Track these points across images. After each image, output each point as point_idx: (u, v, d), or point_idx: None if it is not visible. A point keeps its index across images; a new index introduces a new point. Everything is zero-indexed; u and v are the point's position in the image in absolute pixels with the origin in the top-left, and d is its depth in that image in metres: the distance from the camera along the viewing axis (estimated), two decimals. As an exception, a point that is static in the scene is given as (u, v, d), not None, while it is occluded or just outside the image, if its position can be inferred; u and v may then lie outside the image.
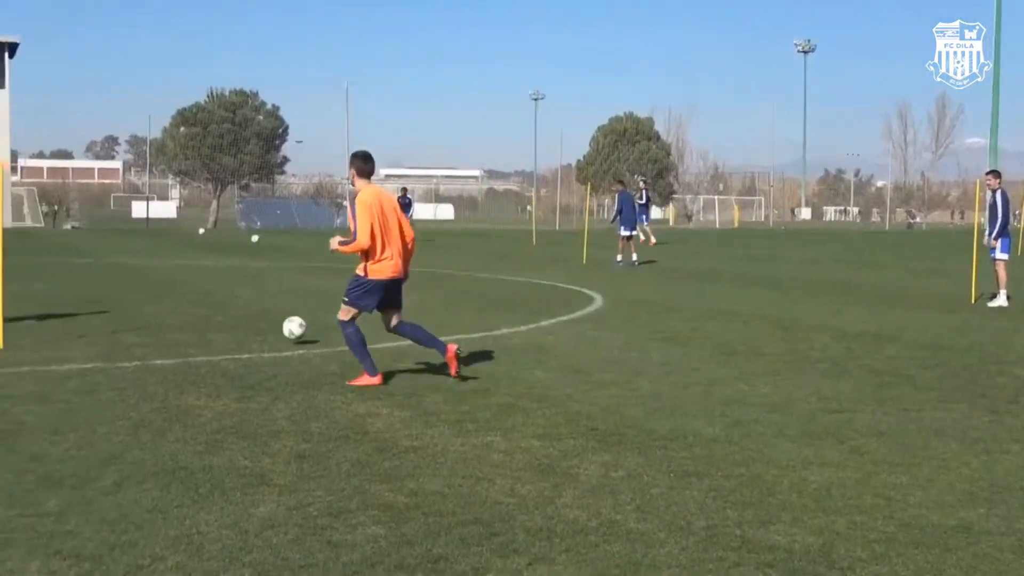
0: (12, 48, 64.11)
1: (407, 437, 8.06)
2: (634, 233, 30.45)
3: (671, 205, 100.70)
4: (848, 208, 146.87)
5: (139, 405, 9.14)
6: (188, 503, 6.29)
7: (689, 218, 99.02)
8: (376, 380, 10.27)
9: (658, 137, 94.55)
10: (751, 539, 5.74)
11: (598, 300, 19.06)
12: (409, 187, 52.13)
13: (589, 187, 46.33)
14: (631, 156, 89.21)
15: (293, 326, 13.16)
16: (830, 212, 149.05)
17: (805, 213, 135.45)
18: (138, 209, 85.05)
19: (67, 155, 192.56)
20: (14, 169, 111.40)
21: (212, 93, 74.63)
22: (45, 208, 73.10)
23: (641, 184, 46.23)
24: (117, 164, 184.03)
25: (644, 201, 42.36)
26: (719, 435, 8.23)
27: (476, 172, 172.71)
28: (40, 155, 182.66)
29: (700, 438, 8.12)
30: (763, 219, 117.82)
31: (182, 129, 72.83)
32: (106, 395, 9.58)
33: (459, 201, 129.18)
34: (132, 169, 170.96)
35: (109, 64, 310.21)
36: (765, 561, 5.41)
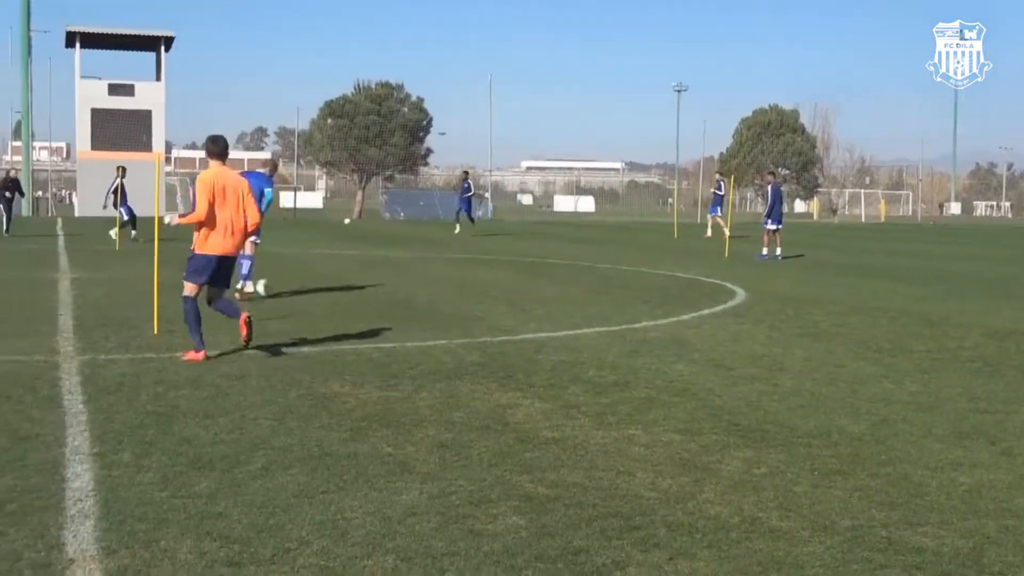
0: (168, 42, 65.77)
1: (548, 428, 8.09)
2: (780, 227, 29.94)
3: (815, 199, 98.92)
4: (1000, 203, 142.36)
5: (286, 391, 9.34)
6: (333, 489, 6.40)
7: (834, 212, 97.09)
8: (200, 356, 10.84)
9: (803, 130, 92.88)
10: (897, 540, 5.63)
11: (740, 294, 18.85)
12: (550, 179, 52.28)
13: (732, 179, 45.72)
14: (775, 149, 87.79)
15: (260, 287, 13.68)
16: (980, 207, 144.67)
17: (954, 208, 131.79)
18: (285, 199, 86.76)
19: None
20: (168, 159, 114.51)
21: (359, 85, 75.61)
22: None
23: (717, 176, 45.97)
24: (266, 155, 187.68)
25: (721, 193, 42.57)
26: (865, 433, 8.08)
27: (617, 164, 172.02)
28: (192, 146, 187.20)
29: (845, 436, 7.97)
30: (910, 214, 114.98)
31: (329, 121, 73.92)
32: (255, 381, 9.80)
33: (600, 193, 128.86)
34: (281, 160, 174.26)
35: (259, 57, 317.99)
36: (912, 563, 5.29)
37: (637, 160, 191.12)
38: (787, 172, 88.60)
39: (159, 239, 13.12)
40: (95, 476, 6.57)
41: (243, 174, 14.77)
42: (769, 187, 31.15)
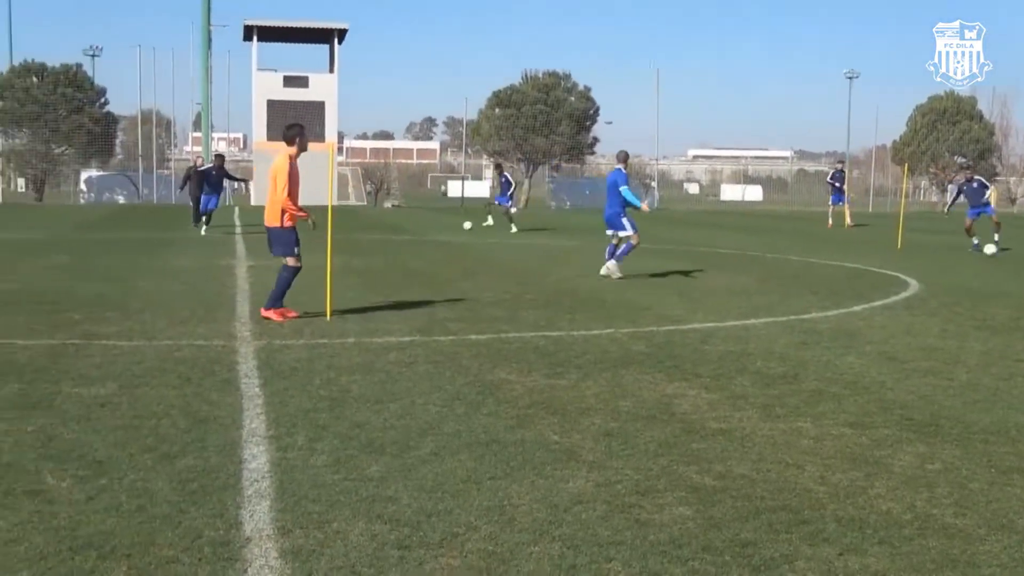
0: (341, 34, 67.20)
1: (715, 419, 8.03)
2: (978, 217, 29.11)
3: (993, 188, 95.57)
4: None
5: (454, 378, 9.46)
6: (500, 475, 6.47)
7: (1013, 201, 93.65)
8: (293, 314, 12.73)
9: (980, 116, 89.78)
10: (1080, 541, 5.43)
11: (914, 285, 18.35)
12: (717, 168, 51.78)
13: (906, 168, 44.58)
14: (951, 137, 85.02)
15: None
16: None
17: None
18: (454, 188, 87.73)
19: (388, 136, 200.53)
20: (340, 150, 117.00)
21: (526, 75, 75.98)
22: (368, 187, 76.45)
23: (839, 165, 45.09)
24: (435, 145, 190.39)
25: (837, 184, 42.52)
26: (1046, 430, 7.82)
27: (786, 153, 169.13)
28: (364, 136, 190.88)
29: (1025, 433, 7.74)
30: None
31: (497, 111, 74.44)
32: (423, 367, 9.96)
33: (768, 182, 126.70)
34: (448, 150, 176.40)
35: (428, 48, 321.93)
36: (1096, 566, 5.10)
37: (807, 148, 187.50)
38: (963, 161, 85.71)
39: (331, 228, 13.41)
40: (271, 458, 6.77)
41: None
42: (978, 179, 30.47)
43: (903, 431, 7.76)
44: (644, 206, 19.15)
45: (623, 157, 19.43)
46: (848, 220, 42.43)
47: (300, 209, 12.62)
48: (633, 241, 18.56)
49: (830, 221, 42.50)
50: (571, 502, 5.96)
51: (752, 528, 5.59)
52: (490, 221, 37.58)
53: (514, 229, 35.24)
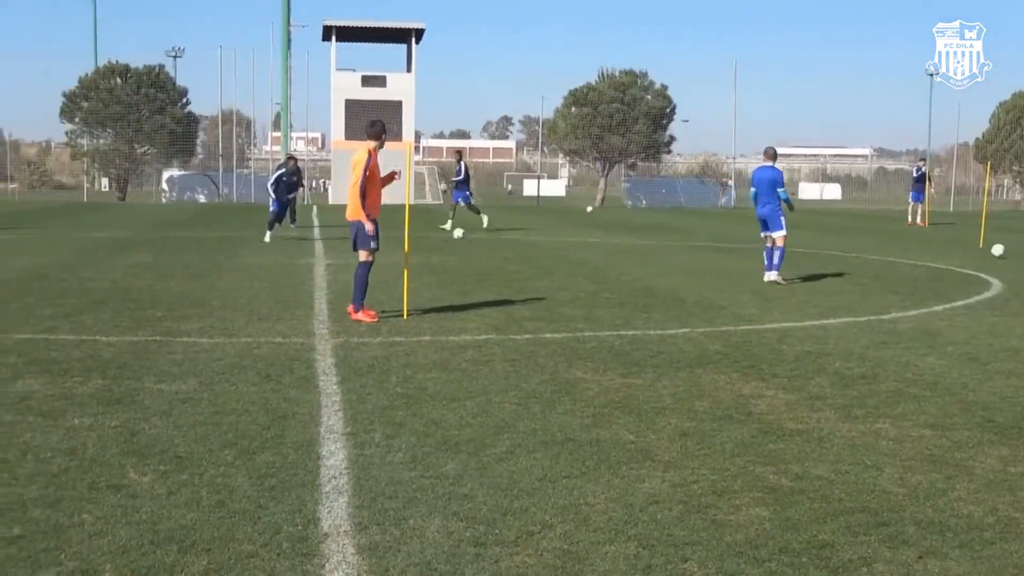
0: (419, 34, 67.63)
1: (792, 420, 7.98)
2: None
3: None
4: None
5: (530, 377, 9.49)
6: (576, 474, 6.48)
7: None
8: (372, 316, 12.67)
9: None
10: None
11: (997, 285, 18.06)
12: (795, 166, 51.31)
13: (989, 166, 43.90)
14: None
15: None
16: None
17: None
18: (529, 187, 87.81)
19: (465, 135, 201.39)
20: (417, 149, 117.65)
21: (603, 73, 75.89)
22: (443, 185, 76.81)
23: (920, 163, 44.63)
24: (511, 144, 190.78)
25: (919, 177, 42.81)
26: None
27: (865, 151, 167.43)
28: (440, 135, 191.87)
29: (1112, 436, 7.59)
30: None
31: (573, 109, 74.40)
32: (499, 366, 10.00)
33: (847, 180, 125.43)
34: (524, 148, 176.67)
35: (504, 47, 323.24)
36: None
37: (886, 146, 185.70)
38: (921, 159, 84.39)
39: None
40: (348, 455, 6.85)
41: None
42: None
43: (985, 433, 7.66)
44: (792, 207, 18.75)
45: (772, 153, 18.62)
46: (920, 219, 42.03)
47: (365, 208, 12.67)
48: (781, 243, 18.00)
49: (909, 219, 42.12)
50: (646, 502, 5.96)
51: (830, 530, 5.55)
52: (448, 226, 32.62)
53: (486, 221, 33.32)
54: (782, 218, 18.02)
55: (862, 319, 13.53)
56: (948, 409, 8.41)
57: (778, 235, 17.92)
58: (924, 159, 49.91)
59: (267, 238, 26.72)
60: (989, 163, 48.85)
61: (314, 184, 66.19)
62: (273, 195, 27.80)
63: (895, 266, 22.16)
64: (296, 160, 30.78)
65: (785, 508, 5.89)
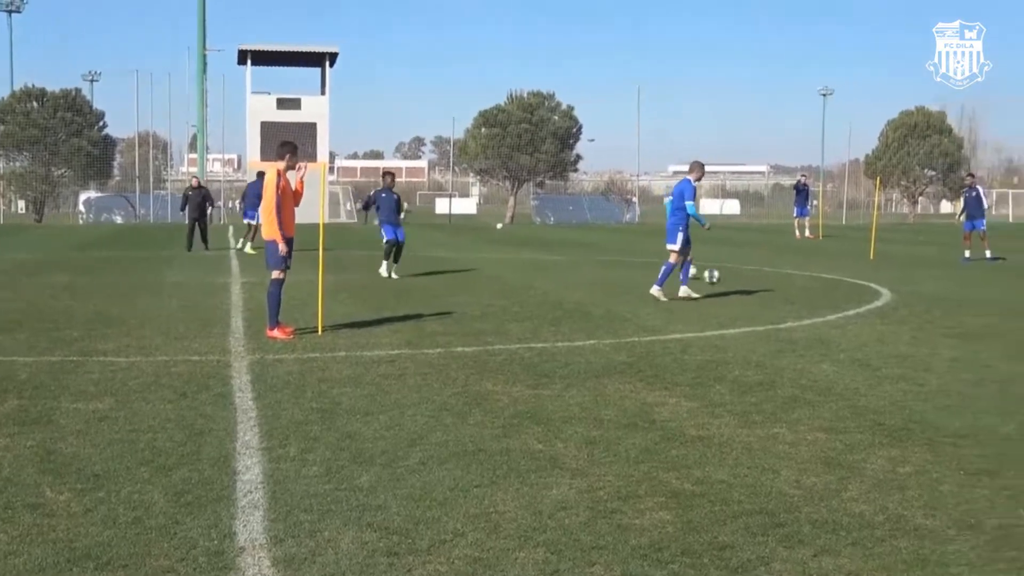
0: (332, 57, 67.83)
1: (694, 427, 8.21)
2: (978, 229, 29.42)
3: (962, 199, 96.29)
4: None
5: (442, 389, 9.64)
6: (486, 483, 6.63)
7: (982, 212, 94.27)
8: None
9: (950, 131, 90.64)
10: (1046, 540, 5.61)
11: (886, 295, 18.58)
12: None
13: (879, 181, 45.04)
14: (921, 151, 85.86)
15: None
16: None
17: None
18: (441, 205, 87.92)
19: (378, 155, 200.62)
20: (331, 169, 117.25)
21: (511, 95, 76.43)
22: (358, 205, 76.64)
23: (801, 178, 45.80)
24: (423, 163, 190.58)
25: (805, 193, 43.64)
26: (1013, 433, 8.03)
27: (762, 168, 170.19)
28: (354, 155, 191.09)
29: (993, 436, 7.94)
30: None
31: (483, 130, 74.82)
32: (412, 379, 10.13)
33: (745, 196, 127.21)
34: (436, 168, 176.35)
35: (416, 69, 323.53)
36: (1061, 562, 5.27)
37: (782, 163, 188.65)
38: (933, 173, 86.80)
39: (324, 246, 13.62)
40: (264, 469, 6.94)
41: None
42: (979, 188, 30.80)
43: (875, 435, 7.95)
44: (707, 224, 18.34)
45: (692, 166, 17.87)
46: (809, 232, 42.97)
47: (280, 227, 12.75)
48: (672, 260, 17.48)
49: (796, 233, 43.02)
50: (555, 508, 6.12)
51: (729, 531, 5.75)
52: (241, 244, 31.59)
53: (248, 248, 30.58)
54: (679, 233, 17.35)
55: (760, 329, 13.89)
56: (841, 413, 8.70)
57: (669, 247, 17.51)
58: (806, 175, 51.02)
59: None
60: (879, 178, 50.17)
61: (231, 205, 65.76)
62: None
63: (791, 278, 22.62)
64: (198, 183, 31.76)
65: (687, 511, 6.08)
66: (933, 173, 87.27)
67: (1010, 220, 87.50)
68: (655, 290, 17.37)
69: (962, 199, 31.62)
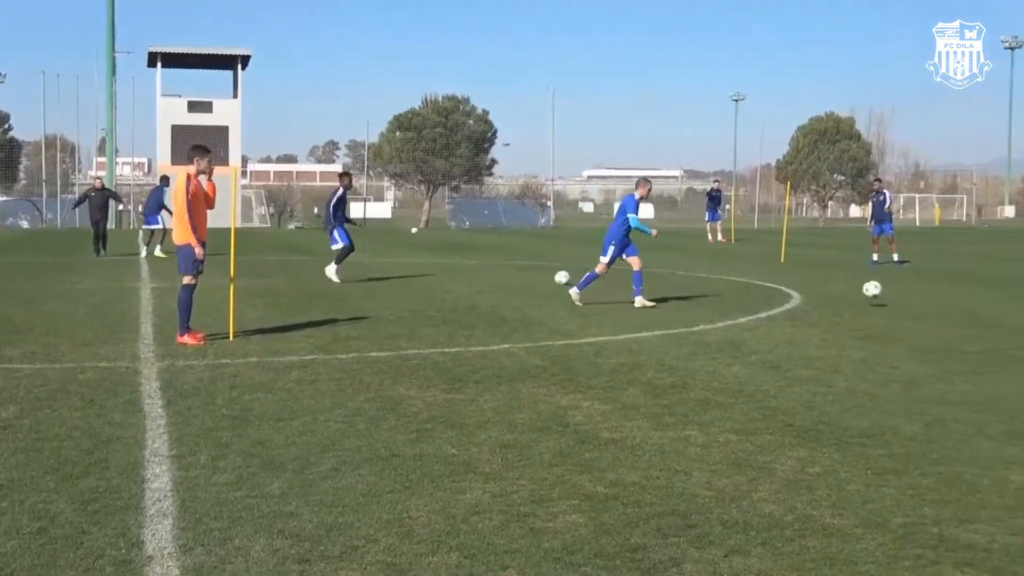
0: (244, 60, 67.28)
1: (607, 429, 8.27)
2: (887, 233, 29.97)
3: (870, 204, 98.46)
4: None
5: (355, 395, 9.60)
6: (399, 488, 6.61)
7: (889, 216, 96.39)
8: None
9: (859, 136, 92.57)
10: (949, 537, 5.73)
11: (796, 298, 18.89)
12: (610, 187, 52.59)
13: (789, 186, 45.82)
14: (831, 155, 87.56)
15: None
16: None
17: (1008, 211, 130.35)
18: (356, 210, 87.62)
19: (292, 159, 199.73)
20: (244, 173, 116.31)
21: (426, 99, 76.50)
22: (271, 209, 76.13)
23: (714, 184, 46.64)
24: (337, 167, 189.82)
25: (718, 199, 44.55)
26: (918, 433, 8.19)
27: (676, 172, 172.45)
28: (267, 159, 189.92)
29: (898, 436, 8.09)
30: (964, 218, 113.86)
31: (397, 134, 74.82)
32: (325, 385, 10.08)
33: (659, 200, 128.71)
34: (351, 172, 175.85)
35: (330, 73, 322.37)
36: (963, 560, 5.40)
37: (695, 168, 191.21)
38: (842, 178, 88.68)
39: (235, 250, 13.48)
40: (173, 477, 6.86)
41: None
42: (885, 192, 31.29)
43: (785, 436, 8.07)
44: (653, 232, 18.25)
45: (640, 183, 17.97)
46: (721, 236, 43.56)
47: (193, 231, 12.60)
48: (598, 270, 17.48)
49: (709, 237, 43.58)
50: (468, 513, 6.12)
51: (642, 533, 5.79)
52: (147, 250, 30.77)
53: (159, 251, 29.76)
54: (611, 247, 17.32)
55: (673, 332, 14.02)
56: (751, 415, 8.82)
57: (603, 259, 17.50)
58: (719, 180, 51.80)
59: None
60: (789, 183, 51.05)
61: (140, 209, 65.05)
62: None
63: (703, 281, 22.87)
64: (101, 184, 31.71)
65: (600, 514, 6.11)
66: (843, 178, 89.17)
67: (917, 224, 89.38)
68: (574, 292, 17.43)
69: (870, 204, 32.18)
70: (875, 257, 29.52)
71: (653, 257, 31.86)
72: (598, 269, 17.61)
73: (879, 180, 34.86)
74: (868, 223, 32.94)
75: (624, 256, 17.49)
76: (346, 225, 21.93)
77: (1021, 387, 10.14)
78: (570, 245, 39.65)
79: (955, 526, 5.93)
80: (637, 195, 17.68)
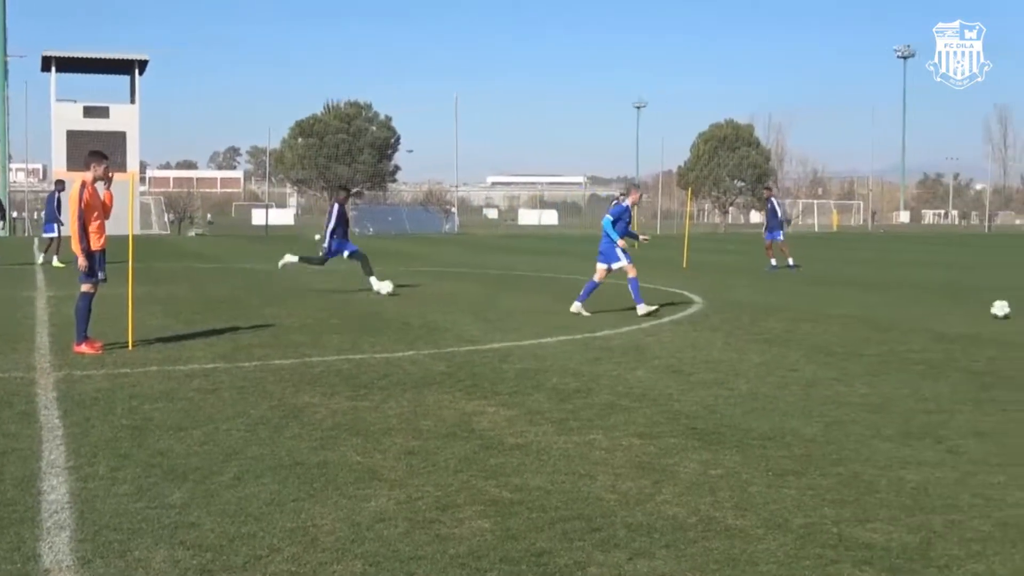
0: (142, 65, 66.54)
1: (512, 435, 8.28)
2: (780, 238, 30.40)
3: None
4: (948, 212, 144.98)
5: (258, 403, 9.49)
6: (304, 497, 6.55)
7: (788, 222, 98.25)
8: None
9: (758, 143, 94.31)
10: (848, 537, 5.82)
11: (699, 302, 19.15)
12: (515, 194, 52.69)
13: (690, 192, 46.51)
14: (731, 162, 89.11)
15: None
16: (928, 215, 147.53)
17: (903, 216, 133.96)
18: (258, 216, 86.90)
19: (192, 165, 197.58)
20: (143, 179, 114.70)
21: (328, 105, 76.28)
22: (171, 216, 75.22)
23: (619, 195, 47.07)
24: (238, 174, 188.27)
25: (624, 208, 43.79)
26: (817, 434, 8.32)
27: (579, 179, 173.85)
28: (167, 166, 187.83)
29: (798, 437, 8.21)
30: (861, 223, 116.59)
31: (300, 140, 74.57)
32: (227, 393, 9.96)
33: (563, 207, 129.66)
34: (252, 178, 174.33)
35: (231, 79, 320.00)
36: (862, 559, 5.48)
37: (599, 174, 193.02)
38: (743, 184, 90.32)
39: (133, 258, 13.27)
40: (71, 489, 6.71)
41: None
42: (773, 200, 31.70)
43: (688, 439, 8.14)
44: (620, 242, 17.48)
45: (630, 189, 18.41)
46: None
47: (83, 240, 12.37)
48: (631, 274, 17.23)
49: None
50: (373, 520, 6.08)
51: (547, 537, 5.80)
52: (43, 258, 30.03)
53: (56, 261, 28.75)
54: (617, 249, 17.34)
55: (578, 337, 14.10)
56: (655, 418, 8.88)
57: (621, 266, 17.31)
58: (624, 193, 52.29)
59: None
60: (690, 189, 51.77)
61: (35, 216, 63.80)
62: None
63: (607, 286, 22.94)
64: None
65: (505, 519, 6.11)
66: (743, 184, 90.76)
67: (815, 229, 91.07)
68: (640, 308, 16.82)
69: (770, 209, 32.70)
70: (772, 262, 29.99)
71: (558, 263, 32.11)
72: (631, 274, 17.20)
73: (768, 188, 35.51)
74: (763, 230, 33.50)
75: (612, 267, 17.39)
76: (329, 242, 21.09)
77: (917, 389, 10.36)
78: (474, 252, 39.73)
79: (854, 525, 6.02)
80: (628, 202, 17.90)
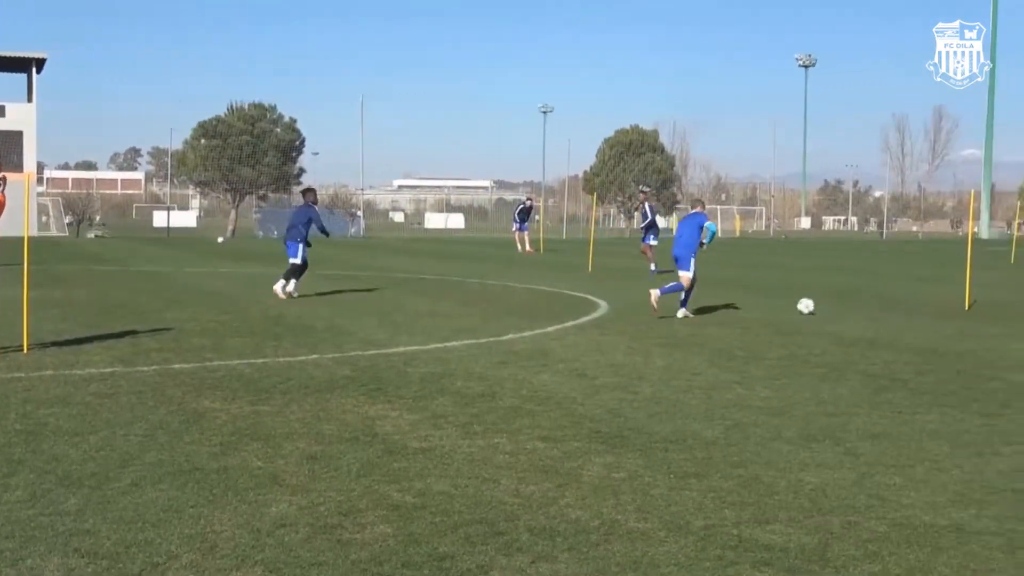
0: (39, 63, 65.42)
1: (416, 439, 8.24)
2: (656, 243, 30.71)
3: (674, 215, 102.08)
4: (848, 218, 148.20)
5: (157, 408, 9.34)
6: (203, 503, 6.46)
7: (656, 227, 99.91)
8: None
9: (663, 149, 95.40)
10: (748, 538, 5.89)
11: (603, 307, 19.27)
12: (421, 197, 52.73)
13: (595, 197, 46.90)
14: (636, 167, 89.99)
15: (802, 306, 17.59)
16: (829, 222, 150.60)
17: (804, 223, 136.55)
18: (159, 218, 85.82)
19: (91, 166, 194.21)
20: (40, 180, 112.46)
21: (232, 107, 75.56)
22: (69, 218, 73.93)
23: (527, 201, 47.87)
24: (139, 175, 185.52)
25: (527, 210, 45.44)
26: (718, 437, 8.41)
27: (486, 183, 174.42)
28: (65, 166, 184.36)
29: (700, 440, 8.29)
30: (764, 228, 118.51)
31: (203, 141, 73.81)
32: (125, 398, 9.78)
33: (469, 211, 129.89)
34: (154, 180, 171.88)
35: (132, 78, 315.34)
36: (761, 560, 5.55)
37: (505, 178, 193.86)
38: (648, 189, 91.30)
39: (29, 260, 12.98)
40: (-40, 496, 6.55)
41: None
42: (646, 205, 31.92)
43: (592, 443, 8.18)
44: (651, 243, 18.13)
45: (702, 203, 19.69)
46: (528, 246, 44.24)
47: None
48: (684, 283, 17.41)
49: (519, 247, 44.18)
50: (274, 526, 6.02)
51: (450, 542, 5.78)
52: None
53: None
54: (692, 259, 17.36)
55: (483, 341, 14.11)
56: (560, 422, 8.91)
57: (682, 274, 17.37)
58: (532, 197, 52.90)
59: None
60: (595, 194, 52.18)
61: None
62: None
63: (513, 290, 23.10)
64: None
65: (408, 524, 6.08)
66: (648, 189, 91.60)
67: (719, 234, 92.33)
68: (680, 312, 17.22)
69: (644, 213, 32.80)
70: (652, 267, 30.07)
71: (463, 267, 32.10)
72: (684, 283, 17.40)
73: (643, 192, 35.84)
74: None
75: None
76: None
77: (817, 392, 10.52)
78: (381, 255, 39.57)
79: (754, 527, 6.10)
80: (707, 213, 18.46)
